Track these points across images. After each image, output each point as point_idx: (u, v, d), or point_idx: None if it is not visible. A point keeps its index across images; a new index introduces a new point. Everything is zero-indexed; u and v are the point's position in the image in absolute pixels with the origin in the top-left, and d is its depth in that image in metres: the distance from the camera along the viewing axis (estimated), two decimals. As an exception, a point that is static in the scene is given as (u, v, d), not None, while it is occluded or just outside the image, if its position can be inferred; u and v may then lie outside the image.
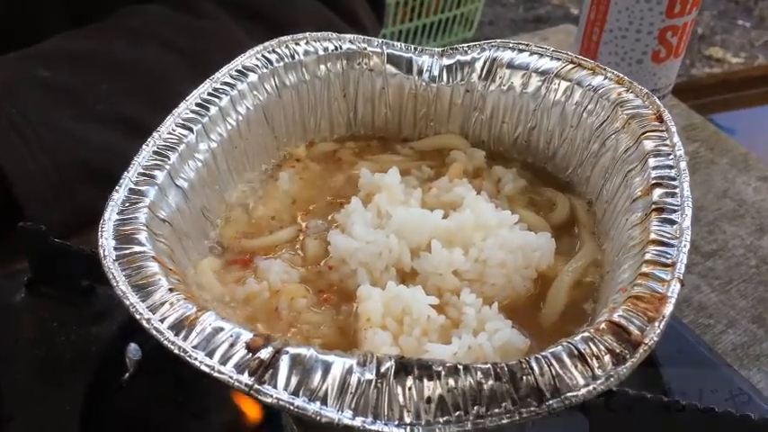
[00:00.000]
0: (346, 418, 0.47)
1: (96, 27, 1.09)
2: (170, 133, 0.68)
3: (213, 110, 0.72)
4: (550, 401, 0.47)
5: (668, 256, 0.55)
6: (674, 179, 0.62)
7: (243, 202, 0.76)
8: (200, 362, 0.50)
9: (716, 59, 3.54)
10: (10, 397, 0.76)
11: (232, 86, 0.75)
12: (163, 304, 0.53)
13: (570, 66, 0.77)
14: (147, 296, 0.54)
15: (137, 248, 0.58)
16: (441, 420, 0.47)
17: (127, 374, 0.77)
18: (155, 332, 0.51)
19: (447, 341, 0.60)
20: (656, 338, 0.49)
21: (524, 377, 0.48)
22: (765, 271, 1.05)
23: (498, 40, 0.82)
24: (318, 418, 0.47)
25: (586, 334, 0.50)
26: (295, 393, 0.48)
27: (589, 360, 0.49)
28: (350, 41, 0.83)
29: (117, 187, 0.62)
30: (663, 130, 0.66)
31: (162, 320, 0.52)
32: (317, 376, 0.48)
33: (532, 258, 0.67)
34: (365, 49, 0.83)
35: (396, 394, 0.48)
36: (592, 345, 0.50)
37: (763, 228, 1.13)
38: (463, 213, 0.68)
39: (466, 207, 0.70)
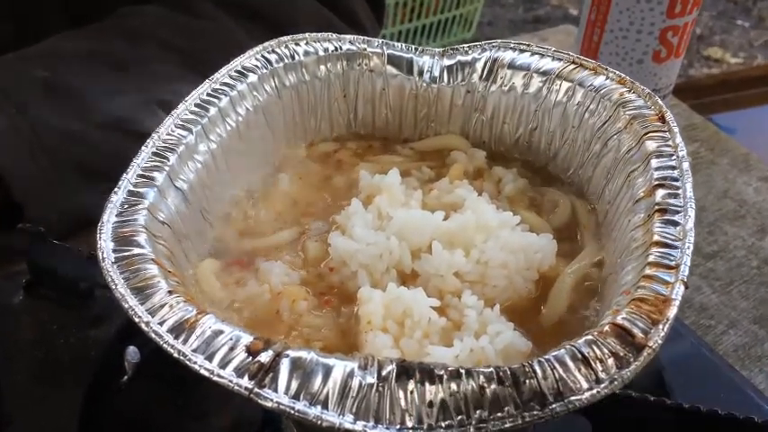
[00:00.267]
0: (347, 422, 0.46)
1: (95, 27, 1.08)
2: (169, 134, 0.68)
3: (213, 111, 0.72)
4: (554, 405, 0.47)
5: (672, 257, 0.55)
6: (676, 180, 0.61)
7: (243, 203, 0.75)
8: (200, 365, 0.49)
9: (715, 59, 3.54)
10: (9, 399, 0.75)
11: (231, 87, 0.74)
12: (162, 307, 0.53)
13: (572, 66, 0.77)
14: (146, 299, 0.53)
15: (136, 251, 0.57)
16: (443, 425, 0.46)
17: (126, 377, 0.76)
18: (154, 335, 0.51)
19: (448, 344, 0.59)
20: (660, 341, 0.49)
21: (527, 381, 0.47)
22: (766, 272, 1.05)
23: (499, 41, 0.82)
24: (319, 422, 0.46)
25: (590, 337, 0.50)
26: (295, 397, 0.47)
27: (593, 363, 0.48)
28: (350, 42, 0.83)
29: (116, 189, 0.62)
30: (665, 131, 0.66)
31: (161, 323, 0.52)
32: (318, 380, 0.48)
33: (534, 260, 0.67)
34: (365, 49, 0.82)
35: (397, 398, 0.47)
36: (595, 348, 0.49)
37: (764, 228, 1.12)
38: (464, 214, 0.68)
39: (467, 208, 0.70)
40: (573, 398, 0.47)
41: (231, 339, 0.50)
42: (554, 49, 0.79)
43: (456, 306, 0.63)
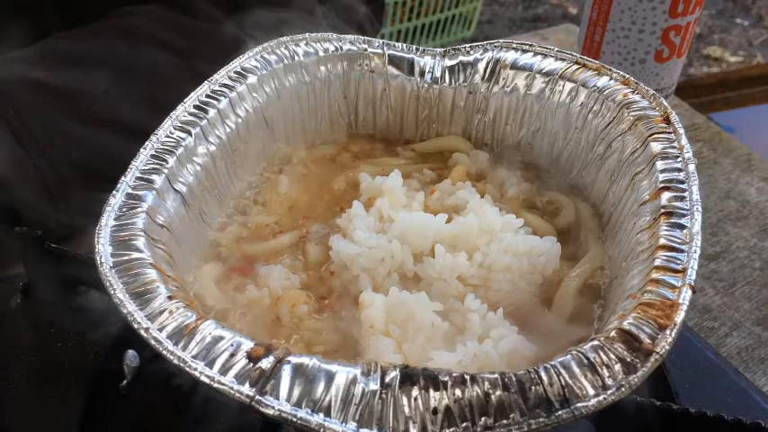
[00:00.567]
0: (350, 430, 0.46)
1: (93, 28, 1.07)
2: (168, 136, 0.67)
3: (212, 112, 0.71)
4: (560, 412, 0.46)
5: (678, 261, 0.54)
6: (682, 182, 0.60)
7: (243, 206, 0.75)
8: (200, 372, 0.48)
9: (714, 58, 3.54)
10: (7, 405, 0.74)
11: (231, 88, 0.74)
12: (162, 312, 0.52)
13: (575, 66, 0.76)
14: (146, 304, 0.53)
15: (135, 255, 0.56)
16: (447, 432, 0.46)
17: (125, 381, 0.75)
18: (153, 342, 0.50)
19: (451, 348, 0.59)
20: (667, 347, 0.48)
21: (533, 387, 0.47)
22: (770, 273, 1.05)
23: (501, 41, 0.81)
24: (321, 430, 0.46)
25: (596, 342, 0.49)
26: (297, 405, 0.46)
27: (599, 369, 0.48)
28: (350, 42, 0.82)
29: (114, 192, 0.61)
30: (670, 132, 0.65)
31: (161, 329, 0.51)
32: (320, 387, 0.47)
33: (538, 263, 0.66)
34: (366, 50, 0.82)
35: (401, 405, 0.46)
36: (602, 353, 0.48)
37: (766, 229, 1.12)
38: (467, 217, 0.67)
39: (470, 211, 0.69)
40: (579, 404, 0.47)
41: (232, 345, 0.49)
42: (557, 49, 0.78)
43: (459, 310, 0.62)
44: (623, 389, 0.47)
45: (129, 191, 0.61)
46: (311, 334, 0.63)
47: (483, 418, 0.46)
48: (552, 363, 0.48)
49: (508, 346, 0.58)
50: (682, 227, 0.57)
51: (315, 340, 0.63)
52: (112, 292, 0.53)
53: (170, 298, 0.53)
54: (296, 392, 0.47)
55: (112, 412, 0.75)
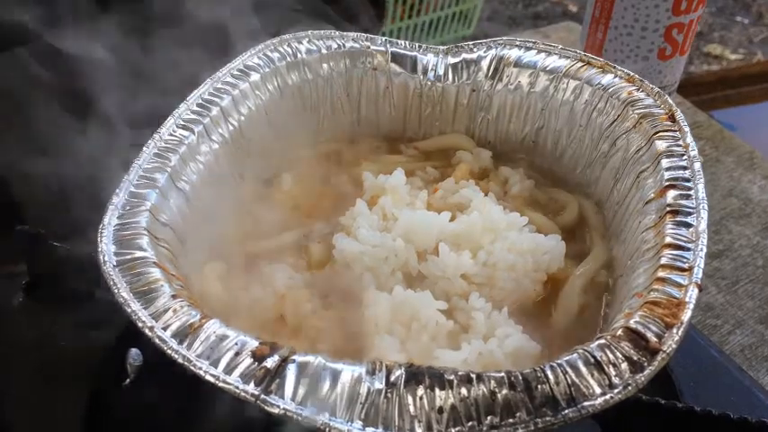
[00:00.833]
0: (356, 428, 0.45)
1: (94, 25, 1.07)
2: (171, 134, 0.67)
3: (214, 110, 0.71)
4: (566, 411, 0.46)
5: (684, 259, 0.54)
6: (688, 180, 0.60)
7: (245, 204, 0.74)
8: (205, 371, 0.48)
9: (714, 56, 3.53)
10: (10, 404, 0.74)
11: (233, 86, 0.73)
12: (166, 311, 0.52)
13: (579, 64, 0.75)
14: (150, 303, 0.52)
15: (138, 254, 0.56)
16: (453, 431, 0.46)
17: (128, 380, 0.75)
18: (157, 341, 0.50)
19: (456, 346, 0.59)
20: (674, 345, 0.48)
21: (539, 386, 0.47)
22: (772, 271, 1.04)
23: (505, 38, 0.81)
24: (327, 429, 0.46)
25: (602, 341, 0.49)
26: (303, 403, 0.46)
27: (606, 368, 0.47)
28: (353, 40, 0.82)
29: (117, 190, 0.60)
30: (675, 130, 0.65)
31: (165, 328, 0.51)
32: (326, 385, 0.47)
33: (542, 261, 0.66)
34: (368, 47, 0.81)
35: (406, 404, 0.46)
36: (608, 352, 0.48)
37: (769, 227, 1.12)
38: (471, 216, 0.67)
39: (473, 209, 0.69)
40: (586, 403, 0.46)
41: (236, 344, 0.49)
42: (561, 46, 0.78)
43: (463, 308, 0.62)
44: (630, 388, 0.47)
45: (133, 189, 0.61)
46: (315, 333, 0.63)
47: (489, 417, 0.46)
48: (558, 361, 0.48)
49: (513, 345, 0.58)
50: (688, 225, 0.57)
51: (319, 339, 0.63)
52: (116, 290, 0.53)
53: (174, 297, 0.53)
54: (301, 391, 0.47)
55: (115, 411, 0.75)
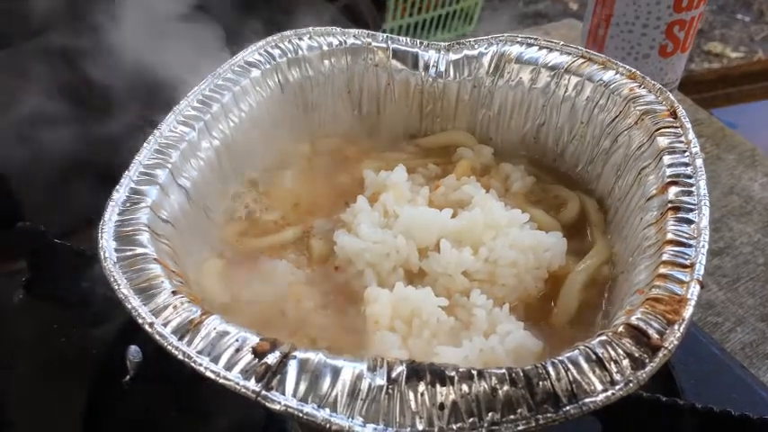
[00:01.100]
0: (357, 425, 0.45)
1: (93, 23, 1.07)
2: (171, 131, 0.66)
3: (215, 107, 0.70)
4: (567, 408, 0.46)
5: (686, 256, 0.54)
6: (690, 177, 0.60)
7: (246, 201, 0.74)
8: (206, 367, 0.48)
9: (715, 54, 3.52)
10: (10, 401, 0.74)
11: (234, 82, 0.73)
12: (166, 308, 0.52)
13: (581, 60, 0.75)
14: (150, 299, 0.52)
15: (138, 250, 0.56)
16: (454, 427, 0.45)
17: (128, 377, 0.75)
18: (158, 337, 0.50)
19: (457, 343, 0.58)
20: (676, 342, 0.48)
21: (540, 382, 0.46)
22: (773, 269, 1.04)
23: (506, 35, 0.81)
24: (328, 425, 0.45)
25: (604, 337, 0.49)
26: (303, 400, 0.46)
27: (607, 365, 0.47)
28: (354, 36, 0.81)
29: (117, 187, 0.60)
30: (677, 127, 0.65)
31: (165, 325, 0.50)
32: (327, 382, 0.47)
33: (544, 258, 0.65)
34: (370, 44, 0.81)
35: (408, 400, 0.46)
36: (610, 349, 0.48)
37: (770, 225, 1.12)
38: (472, 212, 0.67)
39: (475, 206, 0.68)
40: (587, 400, 0.46)
41: (237, 340, 0.49)
42: (562, 43, 0.78)
43: (465, 305, 0.62)
44: (631, 384, 0.47)
45: (133, 186, 0.61)
46: (316, 329, 0.63)
47: (490, 414, 0.46)
48: (560, 358, 0.48)
49: (514, 342, 0.58)
50: (689, 222, 0.56)
51: (320, 335, 0.62)
52: (116, 287, 0.53)
53: (174, 293, 0.53)
54: (302, 388, 0.46)
55: (115, 407, 0.75)
